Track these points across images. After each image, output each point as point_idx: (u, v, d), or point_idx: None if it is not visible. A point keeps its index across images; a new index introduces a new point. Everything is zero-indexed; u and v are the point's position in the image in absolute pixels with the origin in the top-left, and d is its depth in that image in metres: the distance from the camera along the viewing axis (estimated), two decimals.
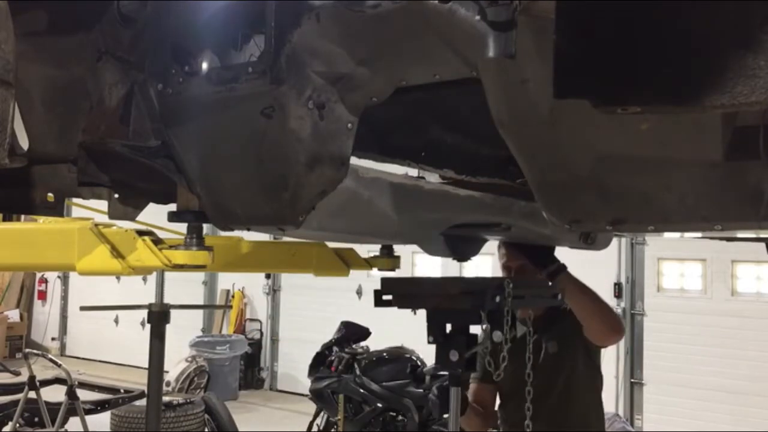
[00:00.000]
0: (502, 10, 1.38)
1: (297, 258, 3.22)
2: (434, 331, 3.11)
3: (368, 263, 3.52)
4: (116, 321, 12.65)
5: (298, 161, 1.77)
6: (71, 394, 5.34)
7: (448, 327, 3.08)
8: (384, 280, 2.92)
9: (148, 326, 4.53)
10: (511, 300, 2.72)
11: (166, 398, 6.02)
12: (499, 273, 3.59)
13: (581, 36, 1.16)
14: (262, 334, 12.01)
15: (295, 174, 1.79)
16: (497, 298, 2.72)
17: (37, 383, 5.91)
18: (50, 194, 2.30)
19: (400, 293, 3.00)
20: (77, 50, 2.06)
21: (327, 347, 6.33)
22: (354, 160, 1.96)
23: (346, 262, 3.40)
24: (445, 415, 5.72)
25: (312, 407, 6.54)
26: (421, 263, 9.31)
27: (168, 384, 8.43)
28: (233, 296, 12.23)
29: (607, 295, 8.18)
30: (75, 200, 2.62)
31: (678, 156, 1.59)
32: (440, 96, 1.96)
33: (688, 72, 1.10)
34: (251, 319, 12.20)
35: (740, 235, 3.38)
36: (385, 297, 3.20)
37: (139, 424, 6.23)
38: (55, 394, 5.99)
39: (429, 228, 2.60)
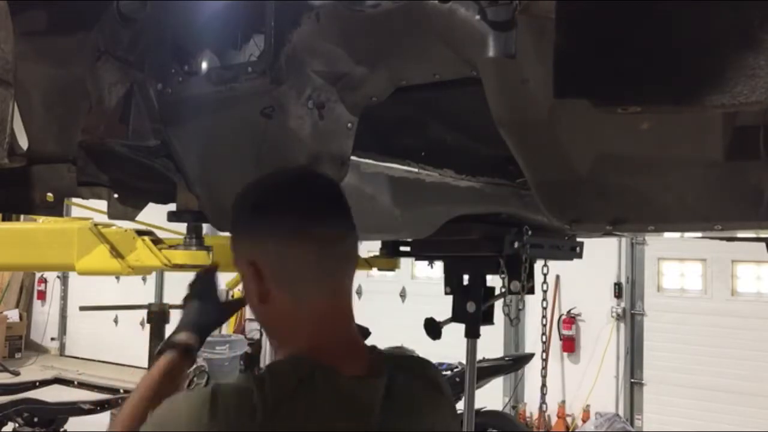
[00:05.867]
0: (502, 10, 1.38)
1: None
2: (451, 282, 3.16)
3: (368, 263, 3.52)
4: (116, 321, 12.63)
5: (297, 161, 1.77)
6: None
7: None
8: None
9: (148, 326, 4.54)
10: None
11: None
12: None
13: (581, 36, 1.16)
14: (261, 334, 11.98)
15: None
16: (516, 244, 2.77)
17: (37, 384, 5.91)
18: (50, 194, 2.30)
19: None
20: (77, 50, 2.06)
21: None
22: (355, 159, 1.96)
23: None
24: None
25: None
26: (421, 263, 9.24)
27: None
28: (233, 296, 12.24)
29: (607, 295, 8.19)
30: (75, 200, 2.62)
31: (678, 156, 1.59)
32: (440, 96, 1.96)
33: (688, 72, 1.10)
34: (251, 319, 12.18)
35: (740, 235, 3.38)
36: (403, 248, 3.26)
37: None
38: (55, 394, 5.99)
39: (432, 221, 2.60)
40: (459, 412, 5.42)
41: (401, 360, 1.42)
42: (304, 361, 1.24)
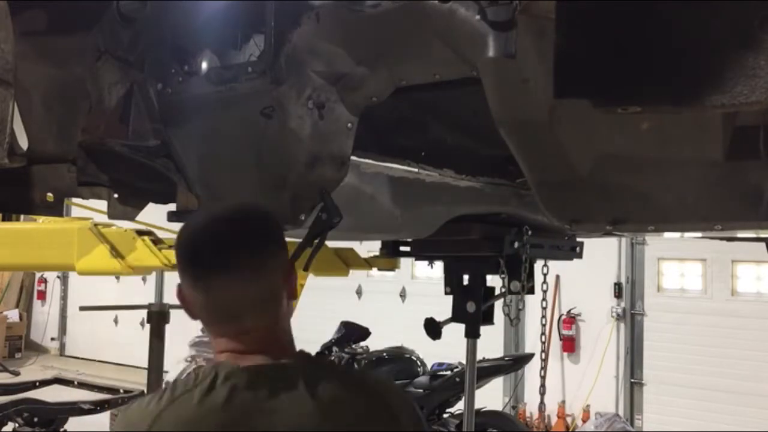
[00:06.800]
0: (502, 10, 1.38)
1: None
2: (451, 282, 3.18)
3: (368, 263, 3.52)
4: (116, 321, 12.63)
5: (297, 161, 1.77)
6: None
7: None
8: None
9: (147, 326, 4.53)
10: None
11: None
12: None
13: (581, 36, 1.16)
14: None
15: (295, 174, 1.79)
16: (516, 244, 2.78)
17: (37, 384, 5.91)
18: (50, 194, 2.30)
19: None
20: (77, 50, 2.06)
21: (327, 347, 6.33)
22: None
23: (346, 262, 3.40)
24: (445, 415, 5.73)
25: None
26: (421, 263, 9.19)
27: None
28: None
29: (607, 295, 8.18)
30: (74, 200, 2.62)
31: (678, 156, 1.59)
32: (440, 96, 1.96)
33: (688, 72, 1.10)
34: None
35: (740, 235, 3.38)
36: (403, 248, 3.28)
37: None
38: (55, 394, 5.99)
39: (432, 221, 2.61)
40: (458, 412, 5.42)
41: (330, 372, 1.47)
42: (213, 373, 1.33)
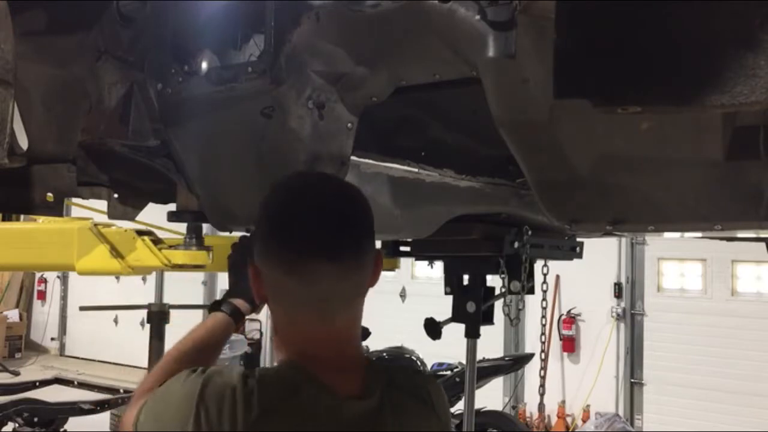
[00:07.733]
0: (502, 10, 1.38)
1: None
2: (451, 282, 3.19)
3: None
4: (116, 321, 12.62)
5: (298, 161, 1.77)
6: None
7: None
8: None
9: (147, 326, 4.53)
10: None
11: None
12: None
13: (581, 36, 1.16)
14: (261, 334, 11.98)
15: None
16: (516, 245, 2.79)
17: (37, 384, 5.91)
18: (49, 194, 2.30)
19: None
20: (77, 50, 2.05)
21: None
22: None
23: None
24: None
25: None
26: (421, 263, 9.14)
27: None
28: None
29: (607, 295, 8.18)
30: (74, 200, 2.62)
31: (678, 156, 1.59)
32: (440, 96, 1.96)
33: (688, 72, 1.10)
34: (251, 319, 12.18)
35: (740, 235, 3.38)
36: (403, 248, 3.29)
37: None
38: (55, 394, 5.99)
39: (432, 221, 2.61)
40: (458, 412, 5.42)
41: (396, 375, 1.36)
42: (296, 372, 1.23)
